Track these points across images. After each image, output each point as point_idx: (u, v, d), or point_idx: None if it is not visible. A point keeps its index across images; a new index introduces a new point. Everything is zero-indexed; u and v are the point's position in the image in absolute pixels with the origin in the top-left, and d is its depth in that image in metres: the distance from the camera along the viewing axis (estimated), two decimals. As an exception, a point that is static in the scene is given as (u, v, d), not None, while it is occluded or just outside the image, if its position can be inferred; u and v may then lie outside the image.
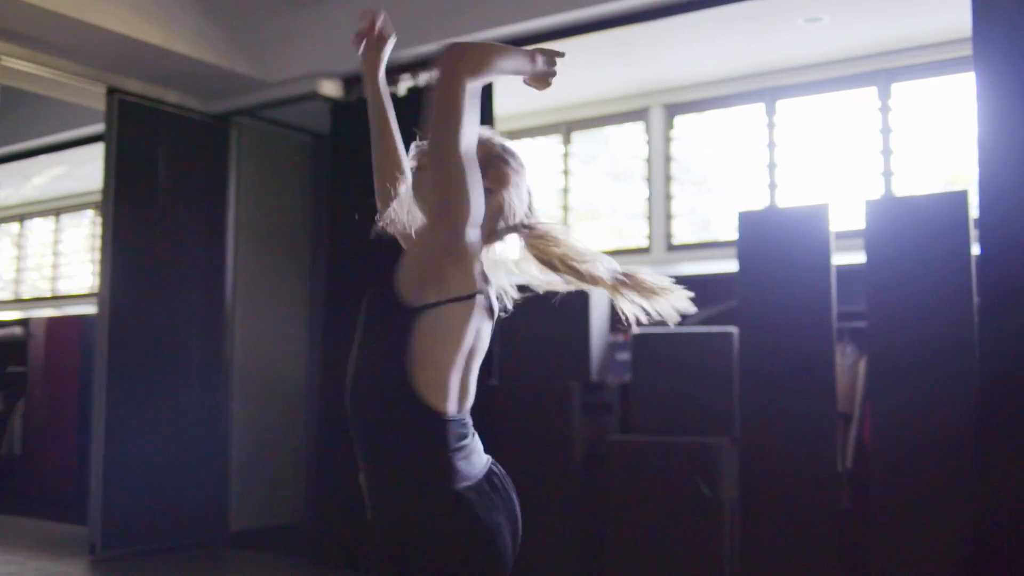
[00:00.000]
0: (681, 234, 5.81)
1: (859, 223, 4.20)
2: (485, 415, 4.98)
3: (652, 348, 4.68)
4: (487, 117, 5.12)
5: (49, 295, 9.59)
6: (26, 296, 9.90)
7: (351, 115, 5.76)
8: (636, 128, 6.01)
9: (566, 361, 4.91)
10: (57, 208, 9.56)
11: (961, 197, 3.99)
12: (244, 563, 5.61)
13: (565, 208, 6.23)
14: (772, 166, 5.48)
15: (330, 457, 5.58)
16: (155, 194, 5.96)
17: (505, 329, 5.08)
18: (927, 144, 5.10)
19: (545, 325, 4.97)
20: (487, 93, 5.12)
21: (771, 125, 5.49)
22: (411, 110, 5.52)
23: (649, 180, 5.88)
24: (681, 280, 5.46)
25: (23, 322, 8.46)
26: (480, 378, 5.10)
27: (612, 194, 6.11)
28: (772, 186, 5.46)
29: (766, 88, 5.49)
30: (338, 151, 5.84)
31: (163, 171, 6.00)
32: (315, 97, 5.77)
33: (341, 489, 5.47)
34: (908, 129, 5.13)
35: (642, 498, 4.45)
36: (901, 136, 5.13)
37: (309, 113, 6.18)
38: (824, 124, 5.40)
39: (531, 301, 5.29)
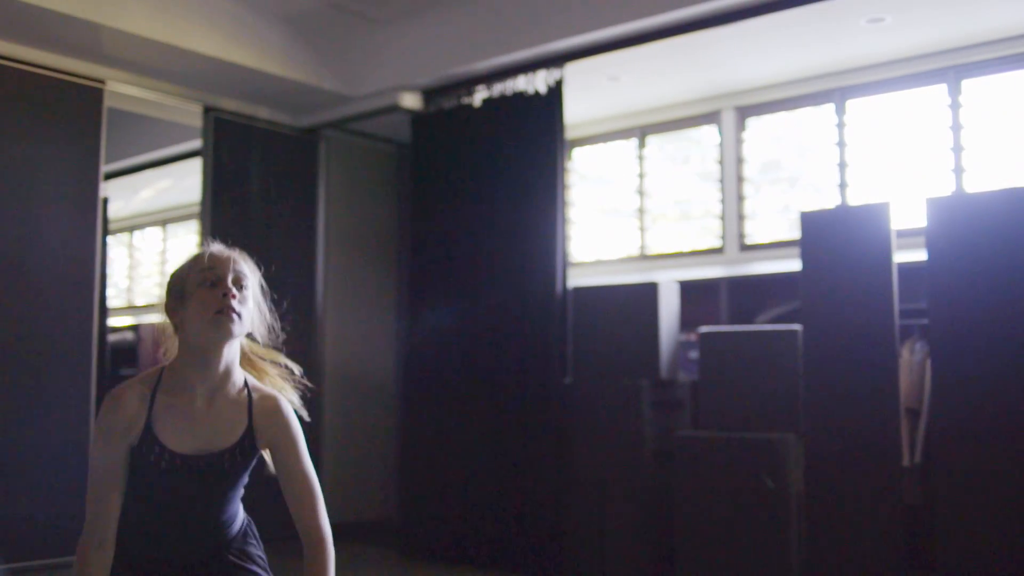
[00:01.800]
0: (756, 234, 5.89)
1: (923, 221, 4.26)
2: (558, 412, 5.21)
3: (719, 346, 4.81)
4: (559, 124, 5.35)
5: (158, 302, 10.09)
6: (138, 303, 10.44)
7: (430, 126, 6.01)
8: (709, 131, 6.12)
9: (636, 359, 5.06)
10: (164, 219, 10.07)
11: (1022, 194, 4.02)
12: (336, 554, 5.89)
13: (641, 211, 6.36)
14: (843, 165, 5.53)
15: (416, 453, 5.83)
16: (249, 204, 6.31)
17: (577, 328, 5.29)
18: (998, 141, 5.09)
19: (616, 324, 5.15)
20: (558, 100, 5.35)
21: (841, 125, 5.54)
22: (486, 120, 5.80)
23: (722, 181, 5.98)
24: (750, 280, 5.59)
25: (134, 327, 8.96)
26: (553, 376, 5.32)
27: (693, 195, 6.21)
28: (843, 185, 5.52)
29: (835, 88, 5.54)
30: (418, 160, 6.09)
31: (256, 183, 6.35)
32: (396, 109, 6.05)
33: (427, 484, 5.73)
34: (978, 126, 5.13)
35: (710, 493, 4.57)
36: (971, 133, 5.13)
37: (392, 124, 6.46)
38: (895, 122, 5.42)
39: (601, 301, 5.50)
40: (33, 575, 5.01)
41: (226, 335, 2.04)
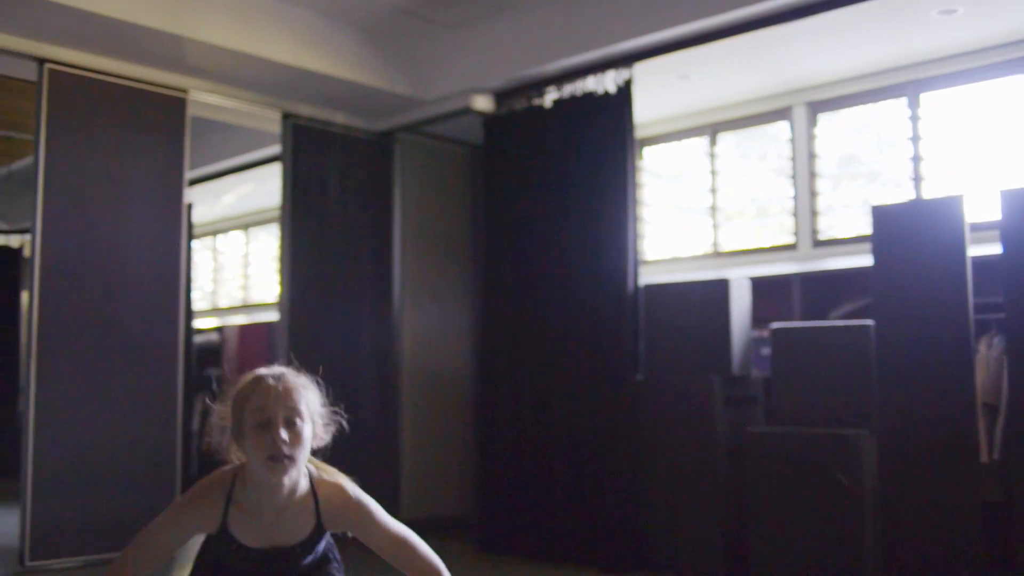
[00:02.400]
0: (830, 230, 5.86)
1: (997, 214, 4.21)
2: (631, 409, 5.26)
3: (791, 342, 4.81)
4: (628, 123, 5.39)
5: (241, 304, 10.38)
6: (222, 305, 10.74)
7: (502, 127, 6.10)
8: (781, 127, 6.10)
9: (708, 355, 5.08)
10: (247, 223, 10.34)
11: (1099, 185, 3.95)
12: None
13: (714, 208, 6.37)
14: (917, 159, 5.47)
15: (493, 449, 5.93)
16: (327, 207, 6.47)
17: (649, 325, 5.33)
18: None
19: (688, 321, 5.18)
20: (627, 100, 5.39)
21: (915, 118, 5.48)
22: (556, 120, 5.86)
23: (794, 177, 5.96)
24: (823, 276, 5.57)
25: (219, 329, 9.23)
26: (626, 373, 5.37)
27: (766, 191, 6.19)
28: (917, 179, 5.46)
29: (908, 82, 5.49)
30: (491, 161, 6.18)
31: (334, 186, 6.51)
32: (468, 112, 6.15)
33: (504, 480, 5.82)
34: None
35: (783, 489, 4.57)
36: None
37: (464, 126, 6.56)
38: (969, 115, 5.35)
39: (673, 298, 5.53)
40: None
41: (280, 478, 2.10)
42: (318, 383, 2.29)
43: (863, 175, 5.78)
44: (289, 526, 2.18)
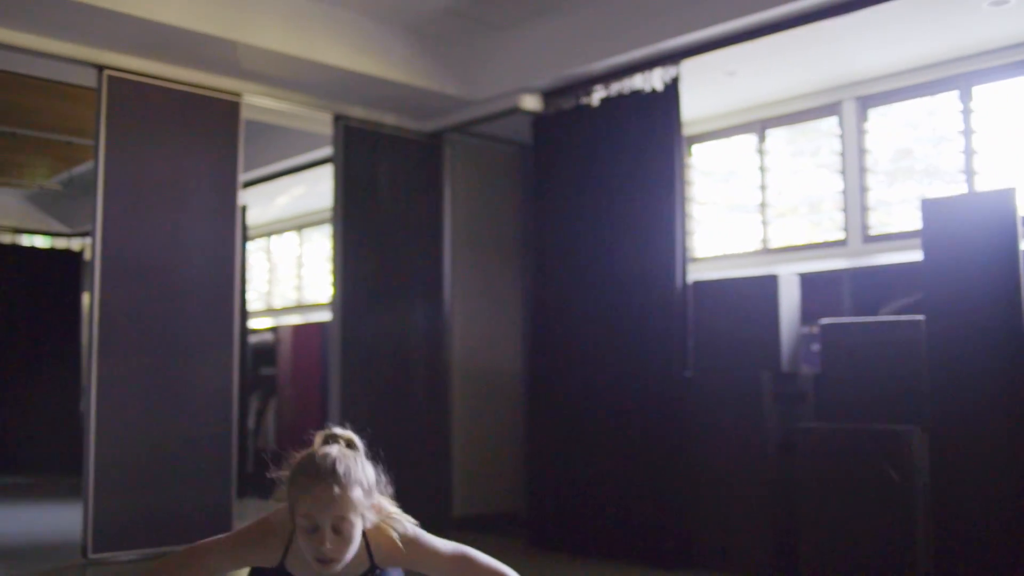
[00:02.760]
0: (881, 225, 5.82)
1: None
2: (680, 406, 5.27)
3: (840, 338, 4.78)
4: (676, 120, 5.40)
5: (295, 304, 10.54)
6: (276, 306, 10.90)
7: (550, 126, 6.14)
8: (830, 122, 6.06)
9: (757, 352, 5.08)
10: (300, 224, 10.49)
11: None
12: (468, 544, 6.06)
13: (763, 205, 6.35)
14: (969, 153, 5.41)
15: (543, 447, 5.97)
16: (378, 208, 6.56)
17: (698, 322, 5.33)
18: None
19: (736, 317, 5.17)
20: (675, 97, 5.40)
21: (966, 112, 5.42)
22: (604, 118, 5.89)
23: (844, 173, 5.92)
24: (874, 271, 5.53)
25: (273, 329, 9.37)
26: (675, 370, 5.38)
27: (816, 187, 6.16)
28: (969, 173, 5.40)
29: (959, 75, 5.43)
30: (540, 160, 6.22)
31: (385, 187, 6.59)
32: (517, 111, 6.20)
33: (553, 477, 5.86)
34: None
35: (833, 485, 4.55)
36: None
37: (513, 126, 6.61)
38: (1022, 107, 5.28)
39: (722, 295, 5.53)
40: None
41: (328, 571, 2.14)
42: (369, 449, 2.32)
43: (916, 170, 5.72)
44: (345, 569, 2.21)
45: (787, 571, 4.83)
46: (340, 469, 2.14)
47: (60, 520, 6.76)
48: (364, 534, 2.23)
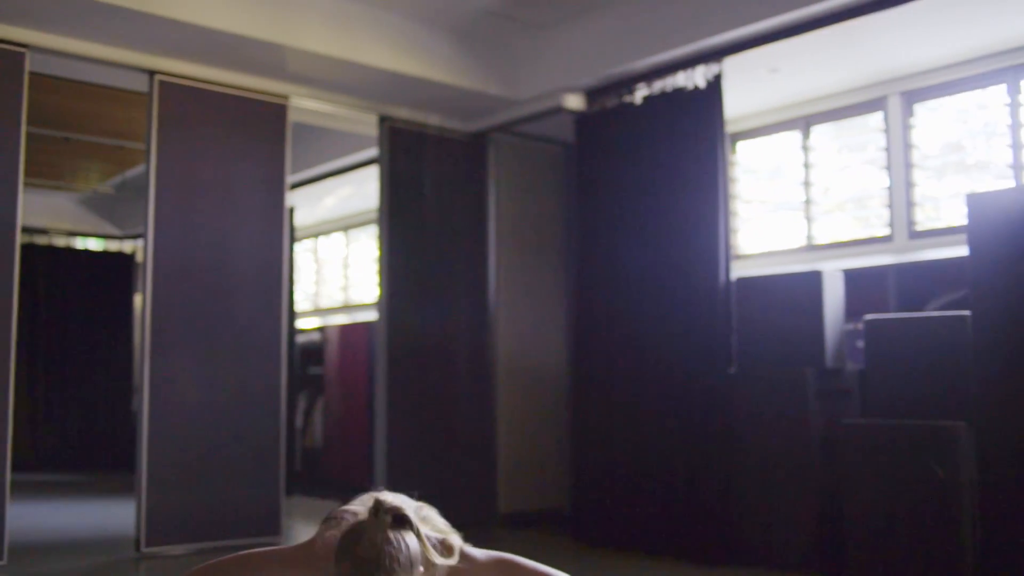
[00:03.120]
0: (928, 220, 5.77)
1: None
2: (724, 402, 5.28)
3: (885, 334, 4.76)
4: (719, 117, 5.40)
5: (342, 304, 10.65)
6: (324, 306, 11.03)
7: (593, 125, 6.17)
8: (875, 118, 6.02)
9: (801, 348, 5.07)
10: (347, 225, 10.60)
11: None
12: (513, 541, 6.11)
13: (808, 201, 6.32)
14: (1017, 147, 5.35)
15: (587, 444, 6.00)
16: (423, 208, 6.63)
17: (742, 319, 5.34)
18: None
19: (780, 314, 5.17)
20: (717, 94, 5.41)
21: (1014, 105, 5.36)
22: (647, 116, 5.90)
23: (889, 168, 5.88)
24: (919, 267, 5.48)
25: (320, 329, 9.49)
26: (719, 366, 5.40)
27: (862, 183, 6.13)
28: (1017, 167, 5.34)
29: (1007, 68, 5.37)
30: (583, 158, 6.24)
31: (429, 186, 6.66)
32: (560, 111, 6.24)
33: (598, 473, 5.89)
34: None
35: (878, 481, 4.52)
36: None
37: (556, 125, 6.65)
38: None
39: (765, 291, 5.51)
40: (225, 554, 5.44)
41: None
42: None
43: (966, 164, 5.66)
44: None
45: (832, 568, 4.82)
46: (387, 564, 2.09)
47: (114, 516, 6.92)
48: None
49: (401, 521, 2.16)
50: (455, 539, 2.32)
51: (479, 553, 2.32)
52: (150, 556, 5.32)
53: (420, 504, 2.39)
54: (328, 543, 2.26)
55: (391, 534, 2.13)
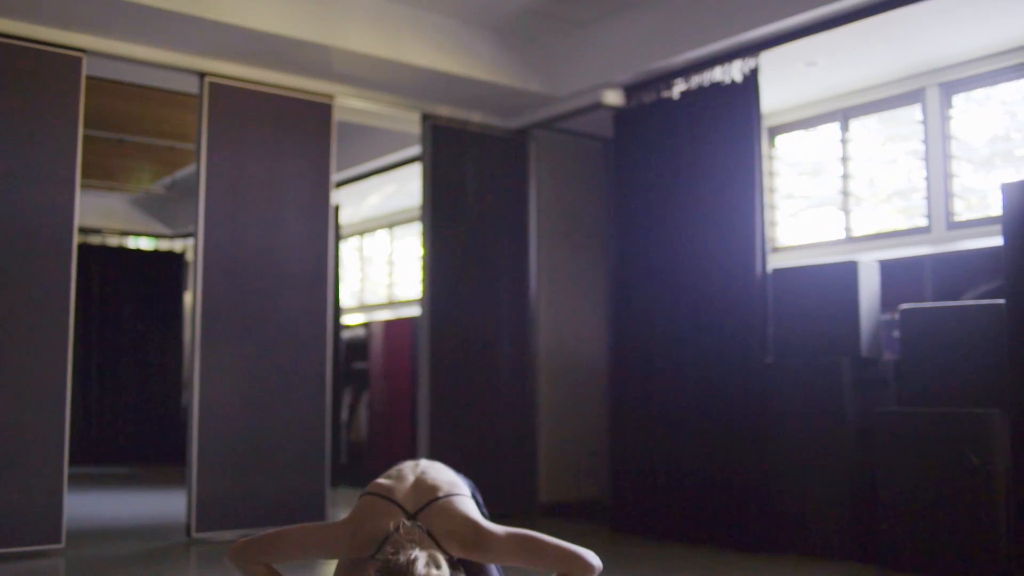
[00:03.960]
0: (966, 211, 5.79)
1: None
2: (761, 392, 5.33)
3: (920, 323, 4.80)
4: (756, 111, 5.46)
5: (387, 301, 10.81)
6: (368, 302, 11.20)
7: (632, 120, 6.25)
8: (913, 110, 6.04)
9: (837, 338, 5.12)
10: (391, 222, 10.76)
11: None
12: (553, 529, 6.20)
13: (846, 193, 6.36)
14: (1056, 137, 5.36)
15: (626, 434, 6.08)
16: (466, 204, 6.75)
17: (778, 309, 5.39)
18: None
19: (816, 304, 5.22)
20: (754, 88, 5.46)
21: (1052, 96, 5.37)
22: (685, 111, 5.96)
23: (927, 160, 5.91)
24: (956, 257, 5.49)
25: (365, 325, 9.65)
26: (755, 356, 5.45)
27: (901, 175, 6.15)
28: (1057, 157, 5.35)
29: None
30: (621, 153, 6.33)
31: (471, 183, 6.78)
32: (599, 107, 6.33)
33: (637, 464, 5.98)
34: None
35: (913, 469, 4.56)
36: None
37: (595, 121, 6.74)
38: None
39: (802, 282, 5.56)
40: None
41: None
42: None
43: (1014, 155, 5.65)
44: None
45: (867, 555, 4.86)
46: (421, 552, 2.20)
47: (165, 505, 7.12)
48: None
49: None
50: (473, 523, 2.41)
51: (499, 529, 2.42)
52: (200, 541, 5.50)
53: (453, 483, 2.49)
54: (367, 535, 2.38)
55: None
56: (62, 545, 5.10)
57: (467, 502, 2.49)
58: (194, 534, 5.51)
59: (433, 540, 2.37)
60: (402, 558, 2.15)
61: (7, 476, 4.95)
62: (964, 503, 4.38)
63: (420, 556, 2.17)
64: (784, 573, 4.68)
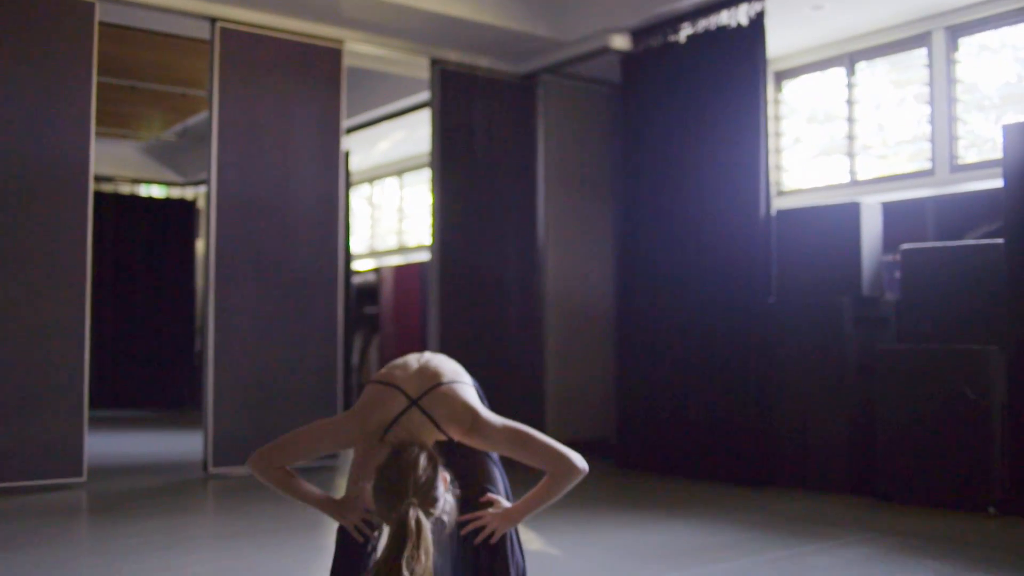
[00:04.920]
0: (967, 154, 5.83)
1: None
2: (763, 330, 5.42)
3: (921, 263, 4.88)
4: (761, 55, 5.48)
5: (396, 247, 10.91)
6: (378, 248, 11.30)
7: (639, 66, 6.29)
8: (919, 54, 6.07)
9: (839, 278, 5.22)
10: (400, 169, 10.82)
11: None
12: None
13: (851, 137, 6.41)
14: (1060, 80, 5.39)
15: (631, 376, 6.21)
16: (474, 150, 6.81)
17: (781, 250, 5.47)
18: None
19: (819, 244, 5.31)
20: (760, 32, 5.49)
21: (1057, 38, 5.39)
22: (691, 55, 5.98)
23: (932, 103, 5.94)
24: (958, 200, 5.55)
25: (376, 270, 9.77)
26: (758, 296, 5.52)
27: (906, 118, 6.18)
28: (1060, 100, 5.38)
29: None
30: (629, 98, 6.38)
31: (480, 129, 6.83)
32: (607, 51, 6.37)
33: (640, 405, 6.10)
34: None
35: (911, 405, 4.68)
36: None
37: (603, 66, 6.77)
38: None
39: (804, 223, 5.63)
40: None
41: None
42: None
43: (1017, 99, 5.67)
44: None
45: (866, 489, 4.99)
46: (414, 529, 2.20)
47: (182, 444, 7.30)
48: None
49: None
50: (472, 410, 2.50)
51: (496, 419, 2.51)
52: (216, 476, 5.67)
53: (456, 371, 2.60)
54: (376, 422, 2.47)
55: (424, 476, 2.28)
56: (84, 479, 5.27)
57: (468, 390, 2.58)
58: (211, 469, 5.67)
59: (434, 423, 2.48)
60: (409, 455, 2.28)
61: (31, 413, 5.11)
62: (960, 437, 4.50)
63: (422, 456, 2.28)
64: (785, 506, 4.81)
